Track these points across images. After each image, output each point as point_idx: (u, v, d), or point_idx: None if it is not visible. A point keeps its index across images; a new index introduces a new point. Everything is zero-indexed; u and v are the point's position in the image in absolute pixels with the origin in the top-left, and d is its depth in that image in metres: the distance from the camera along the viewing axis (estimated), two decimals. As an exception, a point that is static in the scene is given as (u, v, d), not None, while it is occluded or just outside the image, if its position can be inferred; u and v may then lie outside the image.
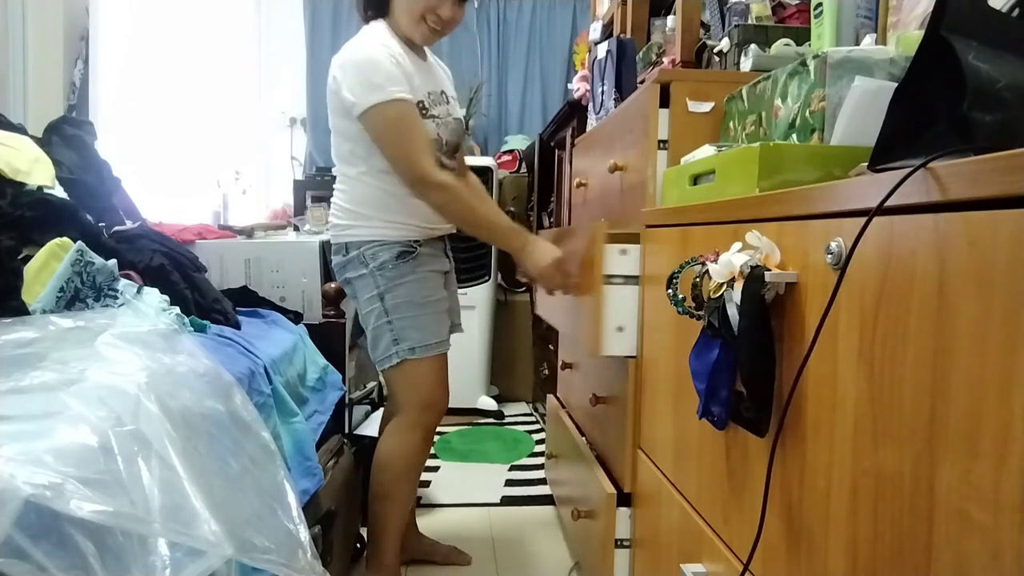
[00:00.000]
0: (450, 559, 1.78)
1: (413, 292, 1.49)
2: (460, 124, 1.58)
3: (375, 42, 1.41)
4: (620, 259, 1.26)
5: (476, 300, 3.11)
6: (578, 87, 2.52)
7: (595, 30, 2.49)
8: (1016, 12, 0.69)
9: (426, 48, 1.55)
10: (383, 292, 1.48)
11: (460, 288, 2.60)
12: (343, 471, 1.60)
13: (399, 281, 1.48)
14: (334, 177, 1.57)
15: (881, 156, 0.63)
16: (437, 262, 1.57)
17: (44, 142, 1.48)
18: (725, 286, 0.75)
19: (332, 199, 1.57)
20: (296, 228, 2.39)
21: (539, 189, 3.24)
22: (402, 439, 1.54)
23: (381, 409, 2.19)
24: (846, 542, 0.61)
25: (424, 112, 1.46)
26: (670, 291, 0.91)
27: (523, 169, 3.56)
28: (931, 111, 0.58)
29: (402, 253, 1.49)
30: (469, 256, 3.03)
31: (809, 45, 1.28)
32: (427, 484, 2.27)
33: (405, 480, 1.57)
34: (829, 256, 0.62)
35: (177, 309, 1.18)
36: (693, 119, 1.26)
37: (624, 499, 1.33)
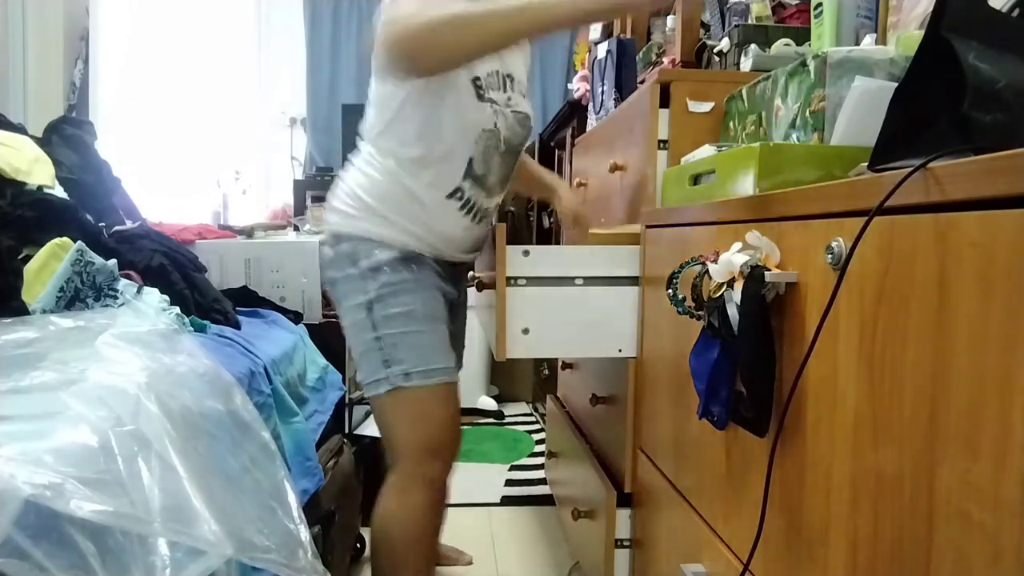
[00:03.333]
0: (451, 560, 1.77)
1: (412, 302, 1.20)
2: (526, 120, 1.30)
3: None
4: (522, 260, 1.25)
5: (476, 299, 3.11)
6: (578, 87, 2.52)
7: (595, 30, 2.48)
8: (1016, 12, 0.69)
9: None
10: (373, 300, 1.19)
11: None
12: (343, 471, 1.60)
13: (395, 287, 1.19)
14: (334, 177, 1.38)
15: (881, 156, 0.63)
16: (443, 283, 1.28)
17: (44, 142, 1.48)
18: (725, 286, 0.75)
19: (340, 178, 1.30)
20: (296, 228, 2.39)
21: (539, 189, 3.23)
22: (402, 501, 1.20)
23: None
24: (846, 542, 0.61)
25: (479, 94, 1.20)
26: (670, 291, 0.91)
27: (523, 169, 3.56)
28: (931, 111, 0.58)
29: (405, 258, 1.22)
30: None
31: (809, 45, 1.28)
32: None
33: (415, 551, 1.22)
34: (829, 256, 0.62)
35: (177, 309, 1.18)
36: (693, 119, 1.26)
37: (624, 499, 1.32)
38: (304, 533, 0.87)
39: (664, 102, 1.27)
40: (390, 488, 1.22)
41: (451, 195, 1.24)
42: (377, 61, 1.20)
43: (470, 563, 1.77)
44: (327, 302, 1.77)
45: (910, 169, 0.51)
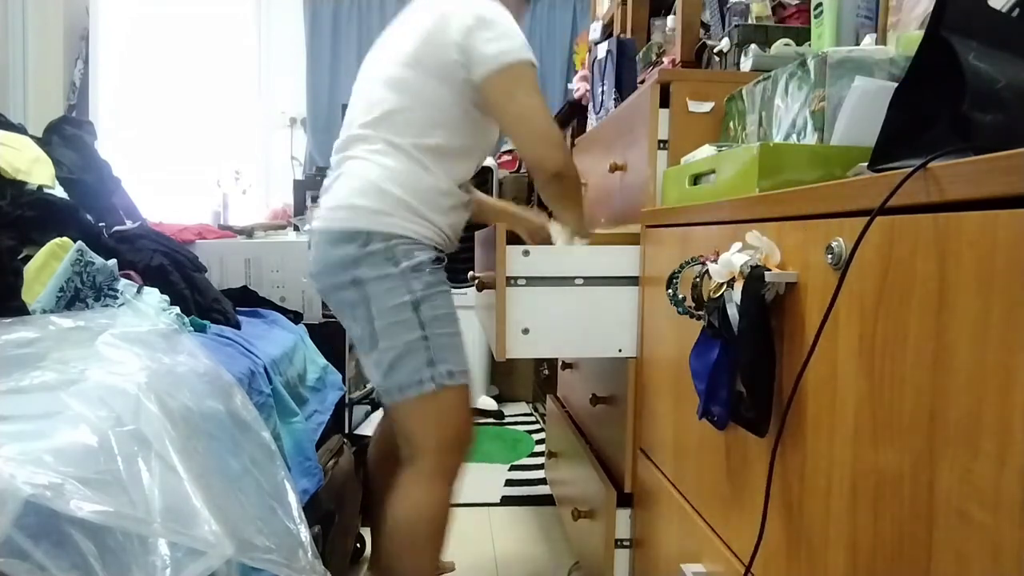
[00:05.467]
0: (438, 570, 1.72)
1: (449, 304, 1.25)
2: None
3: (506, 10, 1.24)
4: (522, 260, 1.25)
5: (476, 299, 3.11)
6: (578, 87, 2.52)
7: (595, 30, 2.48)
8: (1016, 12, 0.69)
9: None
10: (419, 299, 1.21)
11: (460, 288, 2.61)
12: (343, 471, 1.60)
13: (436, 288, 1.23)
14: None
15: (881, 156, 0.63)
16: None
17: (44, 142, 1.48)
18: (725, 286, 0.75)
19: (354, 170, 1.25)
20: (296, 228, 2.39)
21: (539, 189, 3.24)
22: (431, 493, 1.25)
23: (381, 410, 2.19)
24: (846, 542, 0.61)
25: None
26: (670, 291, 0.91)
27: (523, 169, 3.56)
28: (931, 111, 0.58)
29: (438, 258, 1.26)
30: (469, 256, 3.03)
31: (809, 45, 1.28)
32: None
33: (434, 544, 1.28)
34: (829, 256, 0.62)
35: (177, 309, 1.18)
36: (693, 119, 1.26)
37: (624, 499, 1.32)
38: (304, 533, 0.88)
39: (664, 102, 1.27)
40: (417, 480, 1.25)
41: (461, 185, 1.32)
42: (441, 53, 1.20)
43: (454, 569, 1.73)
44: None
45: (910, 169, 0.51)
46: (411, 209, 1.23)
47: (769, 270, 0.71)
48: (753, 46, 1.35)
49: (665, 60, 1.81)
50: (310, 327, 1.70)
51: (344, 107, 3.58)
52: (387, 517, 1.27)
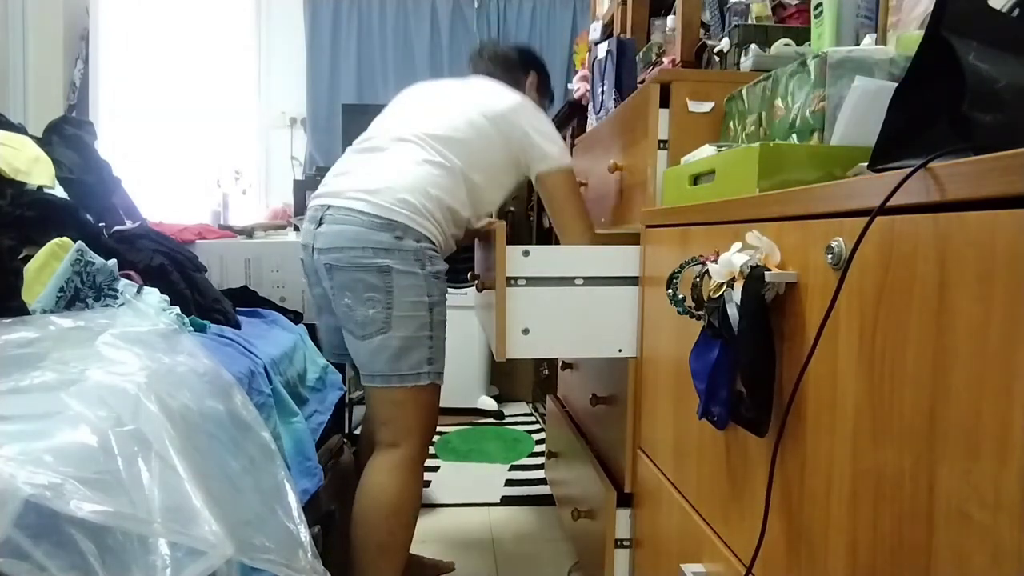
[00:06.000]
0: (437, 570, 1.74)
1: (446, 313, 1.40)
2: None
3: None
4: (522, 260, 1.25)
5: (476, 299, 3.11)
6: (578, 87, 2.52)
7: (595, 30, 2.48)
8: (1016, 12, 0.69)
9: None
10: (433, 303, 1.35)
11: (460, 288, 2.62)
12: (343, 471, 1.60)
13: (443, 297, 1.38)
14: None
15: (881, 156, 0.63)
16: None
17: (44, 142, 1.47)
18: (725, 286, 0.75)
19: (404, 167, 1.36)
20: (296, 228, 2.39)
21: (539, 189, 3.23)
22: (411, 476, 1.38)
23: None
24: (846, 542, 0.61)
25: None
26: (670, 291, 0.91)
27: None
28: (931, 111, 0.58)
29: (448, 271, 1.41)
30: (469, 256, 3.03)
31: (809, 45, 1.28)
32: (427, 484, 2.27)
33: (412, 524, 1.40)
34: (829, 256, 0.62)
35: (177, 309, 1.18)
36: (693, 119, 1.26)
37: (624, 499, 1.32)
38: (304, 533, 0.88)
39: (664, 102, 1.27)
40: (401, 467, 1.37)
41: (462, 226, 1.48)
42: (519, 135, 1.43)
43: (454, 569, 1.75)
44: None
45: (910, 169, 0.51)
46: (441, 219, 1.37)
47: (769, 270, 0.71)
48: (753, 46, 1.35)
49: (665, 60, 1.81)
50: (310, 327, 1.70)
51: (344, 107, 3.54)
52: (366, 500, 1.36)
